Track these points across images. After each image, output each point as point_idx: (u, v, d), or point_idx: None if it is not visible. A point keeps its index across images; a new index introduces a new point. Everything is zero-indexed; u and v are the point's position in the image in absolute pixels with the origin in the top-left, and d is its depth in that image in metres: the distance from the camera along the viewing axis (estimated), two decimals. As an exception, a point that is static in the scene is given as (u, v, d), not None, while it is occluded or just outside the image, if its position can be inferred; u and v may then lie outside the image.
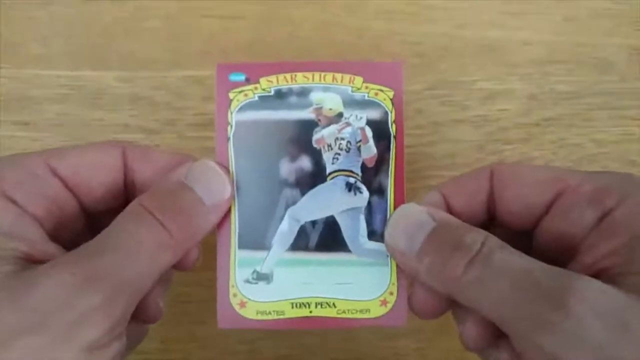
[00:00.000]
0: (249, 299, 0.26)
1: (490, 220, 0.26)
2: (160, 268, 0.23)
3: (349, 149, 0.27)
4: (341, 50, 0.35)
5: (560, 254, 0.24)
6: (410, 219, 0.25)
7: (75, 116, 0.35)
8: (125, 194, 0.27)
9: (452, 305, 0.25)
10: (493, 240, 0.23)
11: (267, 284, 0.26)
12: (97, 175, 0.26)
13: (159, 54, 0.35)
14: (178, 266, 0.25)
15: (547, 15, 0.35)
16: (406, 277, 0.26)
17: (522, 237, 0.26)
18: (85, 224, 0.27)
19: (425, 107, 0.35)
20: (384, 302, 0.26)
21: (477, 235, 0.23)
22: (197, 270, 0.26)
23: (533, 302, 0.21)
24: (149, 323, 0.26)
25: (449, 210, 0.26)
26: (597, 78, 0.35)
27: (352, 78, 0.27)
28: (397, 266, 0.26)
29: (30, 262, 0.22)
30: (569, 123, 0.35)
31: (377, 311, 0.26)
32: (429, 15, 0.35)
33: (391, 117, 0.27)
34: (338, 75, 0.27)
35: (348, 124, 0.27)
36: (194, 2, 0.35)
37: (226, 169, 0.26)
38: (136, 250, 0.22)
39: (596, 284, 0.20)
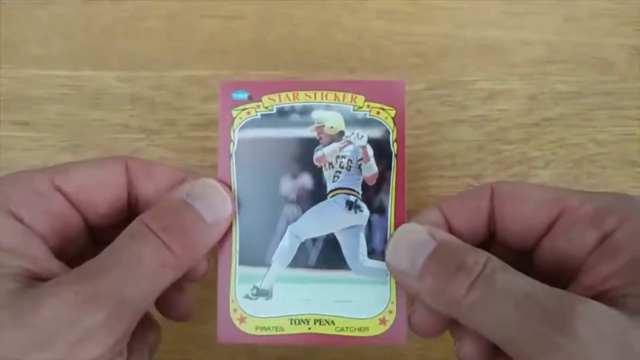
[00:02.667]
0: (249, 315, 0.27)
1: (491, 239, 0.26)
2: (162, 286, 0.24)
3: (350, 167, 0.27)
4: (341, 50, 0.35)
5: (561, 274, 0.24)
6: (411, 239, 0.25)
7: (75, 116, 0.35)
8: (129, 209, 0.27)
9: (451, 322, 0.25)
10: (495, 262, 0.23)
11: (266, 299, 0.27)
12: (101, 192, 0.26)
13: (159, 54, 0.35)
14: (188, 278, 0.26)
15: (547, 15, 0.35)
16: (407, 295, 0.26)
17: (522, 256, 0.26)
18: (89, 239, 0.27)
19: (425, 107, 0.35)
20: (383, 321, 0.26)
21: (479, 256, 0.23)
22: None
23: (537, 324, 0.21)
24: (180, 320, 0.27)
25: (449, 228, 0.26)
26: (597, 78, 0.35)
27: (353, 97, 0.27)
28: (397, 285, 0.26)
29: (35, 279, 0.22)
30: (569, 123, 0.35)
31: (376, 329, 0.26)
32: (429, 15, 0.35)
33: (392, 135, 0.27)
34: (340, 94, 0.27)
35: (349, 142, 0.27)
36: (194, 2, 0.35)
37: (227, 187, 0.27)
38: (138, 269, 0.23)
39: (599, 307, 0.21)
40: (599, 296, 0.22)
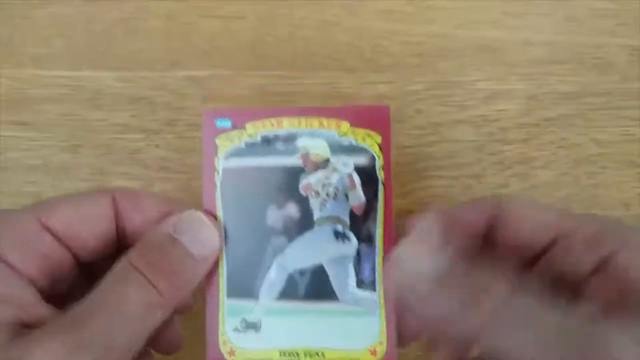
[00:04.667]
0: (238, 347, 0.26)
1: (486, 253, 0.26)
2: (151, 326, 0.24)
3: (337, 195, 0.26)
4: (341, 50, 0.35)
5: (559, 292, 0.24)
6: (417, 261, 0.23)
7: (75, 116, 0.35)
8: (118, 241, 0.27)
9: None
10: (518, 288, 0.22)
11: (255, 332, 0.26)
12: (89, 227, 0.26)
13: (159, 54, 0.35)
14: (176, 310, 0.25)
15: (548, 15, 0.35)
16: (389, 335, 0.26)
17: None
18: (78, 275, 0.26)
19: (425, 107, 0.35)
20: (373, 352, 0.26)
21: (502, 282, 0.22)
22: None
23: (566, 353, 0.20)
24: (170, 353, 0.27)
25: (447, 237, 0.25)
26: (597, 78, 0.35)
27: (338, 122, 0.26)
28: (386, 316, 0.26)
29: (23, 326, 0.22)
30: (569, 123, 0.35)
31: None
32: (429, 15, 0.35)
33: (379, 162, 0.26)
34: (324, 120, 0.26)
35: (335, 170, 0.26)
36: (194, 2, 0.35)
37: (214, 218, 0.26)
38: (124, 312, 0.22)
39: (631, 336, 0.21)
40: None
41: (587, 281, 0.24)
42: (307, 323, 0.26)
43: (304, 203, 0.26)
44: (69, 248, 0.25)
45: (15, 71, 0.35)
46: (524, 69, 0.35)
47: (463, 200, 0.35)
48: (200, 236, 0.25)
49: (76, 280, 0.26)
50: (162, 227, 0.25)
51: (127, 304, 0.23)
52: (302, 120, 0.27)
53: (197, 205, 0.27)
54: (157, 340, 0.26)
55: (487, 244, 0.26)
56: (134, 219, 0.26)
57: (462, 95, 0.35)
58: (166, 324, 0.25)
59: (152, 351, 0.27)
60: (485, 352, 0.22)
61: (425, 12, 0.35)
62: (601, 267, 0.23)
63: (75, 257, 0.26)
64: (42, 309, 0.23)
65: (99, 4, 0.35)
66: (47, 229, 0.25)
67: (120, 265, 0.24)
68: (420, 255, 0.23)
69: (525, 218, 0.25)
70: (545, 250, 0.25)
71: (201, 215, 0.26)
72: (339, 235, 0.26)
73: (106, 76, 0.35)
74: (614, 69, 0.35)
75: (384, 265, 0.26)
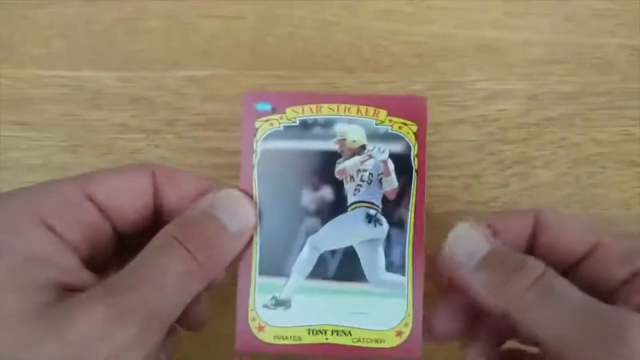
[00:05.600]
0: (267, 324, 0.27)
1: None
2: (189, 296, 0.24)
3: (371, 181, 0.27)
4: (341, 50, 0.35)
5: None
6: (471, 235, 0.26)
7: (75, 116, 0.35)
8: (155, 215, 0.27)
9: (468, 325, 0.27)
10: (553, 271, 0.25)
11: (285, 309, 0.27)
12: (130, 200, 0.26)
13: (159, 54, 0.35)
14: (207, 287, 0.26)
15: (548, 15, 0.35)
16: (423, 309, 0.27)
17: None
18: (117, 246, 0.27)
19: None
20: (399, 333, 0.27)
21: (540, 262, 0.25)
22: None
23: (593, 330, 0.23)
24: (195, 329, 0.27)
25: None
26: (597, 78, 0.35)
27: (376, 111, 0.27)
28: (414, 299, 0.27)
29: (66, 290, 0.23)
30: (569, 123, 0.35)
31: (392, 341, 0.27)
32: (429, 15, 0.35)
33: (414, 151, 0.27)
34: (362, 108, 0.27)
35: (371, 157, 0.27)
36: (194, 2, 0.35)
37: (250, 197, 0.27)
38: (166, 282, 0.23)
39: None
40: None
41: (618, 290, 0.25)
42: (336, 302, 0.27)
43: (338, 187, 0.27)
44: (109, 219, 0.26)
45: (15, 71, 0.35)
46: (524, 69, 0.35)
47: (463, 200, 0.35)
48: (236, 213, 0.26)
49: (114, 252, 0.27)
50: (200, 203, 0.26)
51: (168, 274, 0.23)
52: (341, 107, 0.27)
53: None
54: (185, 316, 0.26)
55: (528, 253, 0.27)
56: (172, 196, 0.27)
57: (462, 95, 0.35)
58: (195, 300, 0.26)
59: (181, 327, 0.27)
60: (516, 328, 0.24)
61: (425, 12, 0.35)
62: (632, 279, 0.25)
63: (115, 228, 0.26)
64: (84, 275, 0.24)
65: (99, 4, 0.35)
66: (90, 199, 0.25)
67: (161, 237, 0.24)
68: (473, 235, 0.26)
69: (566, 227, 0.27)
70: (581, 260, 0.27)
71: (238, 192, 0.27)
72: (371, 219, 0.27)
73: (106, 76, 0.35)
74: (613, 69, 0.35)
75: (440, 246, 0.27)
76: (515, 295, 0.24)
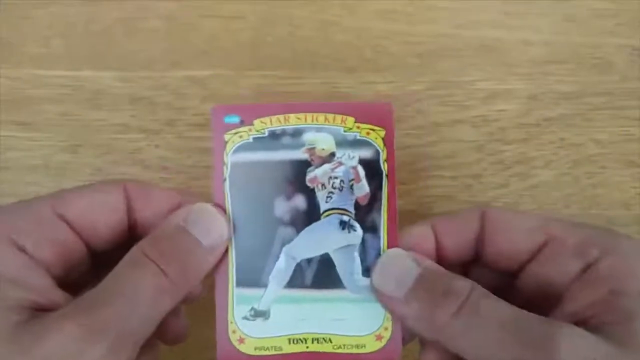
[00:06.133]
0: (247, 335, 0.27)
1: (475, 260, 0.27)
2: (162, 312, 0.24)
3: (342, 187, 0.27)
4: (341, 50, 0.35)
5: (543, 299, 0.25)
6: (397, 264, 0.26)
7: (75, 116, 0.35)
8: (129, 231, 0.27)
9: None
10: (479, 289, 0.24)
11: (264, 320, 0.27)
12: (102, 217, 0.26)
13: (159, 54, 0.35)
14: (184, 301, 0.26)
15: (547, 15, 0.35)
16: (394, 320, 0.27)
17: (505, 280, 0.27)
18: (90, 265, 0.27)
19: (425, 107, 0.35)
20: (379, 337, 0.27)
21: (464, 284, 0.24)
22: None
23: (520, 349, 0.22)
24: (174, 343, 0.27)
25: (438, 245, 0.27)
26: (597, 78, 0.35)
27: (343, 118, 0.27)
28: None
29: (37, 310, 0.23)
30: (569, 123, 0.35)
31: (372, 346, 0.27)
32: (429, 15, 0.35)
33: (383, 156, 0.27)
34: (330, 116, 0.27)
35: (340, 164, 0.27)
36: (194, 2, 0.35)
37: (223, 211, 0.27)
38: (138, 299, 0.23)
39: (580, 332, 0.22)
40: (579, 323, 0.23)
41: (568, 288, 0.24)
42: (315, 310, 0.27)
43: (310, 195, 0.27)
44: (82, 237, 0.26)
45: (15, 71, 0.35)
46: (524, 69, 0.35)
47: (463, 200, 0.35)
48: (209, 227, 0.26)
49: (88, 271, 0.27)
50: (173, 218, 0.26)
51: (139, 290, 0.23)
52: (309, 116, 0.27)
53: (204, 199, 0.27)
54: (163, 330, 0.26)
55: (477, 253, 0.27)
56: (145, 211, 0.27)
57: (462, 95, 0.35)
58: (173, 314, 0.26)
59: (160, 341, 0.27)
60: (451, 349, 0.24)
61: (425, 12, 0.35)
62: (585, 273, 0.24)
63: (88, 246, 0.26)
64: (57, 294, 0.24)
65: (99, 4, 0.35)
66: (61, 218, 0.25)
67: (133, 253, 0.24)
68: (399, 263, 0.26)
69: (512, 226, 0.26)
70: (532, 257, 0.26)
71: (210, 207, 0.26)
72: (345, 225, 0.27)
73: (106, 76, 0.35)
74: (613, 69, 0.35)
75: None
76: (443, 325, 0.23)
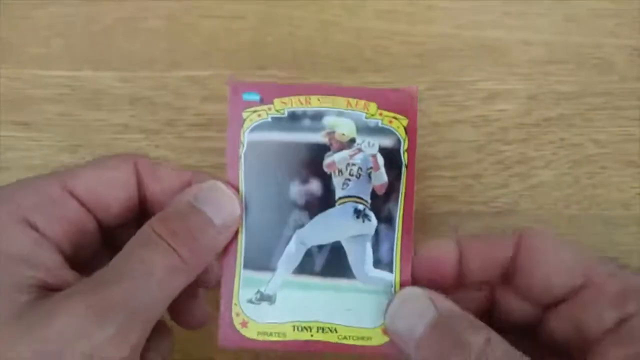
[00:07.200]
0: (251, 319, 0.26)
1: (505, 282, 0.26)
2: (173, 292, 0.24)
3: (360, 175, 0.26)
4: (341, 50, 0.35)
5: (571, 341, 0.24)
6: (411, 305, 0.25)
7: (75, 116, 0.35)
8: (140, 207, 0.27)
9: None
10: (494, 343, 0.23)
11: (269, 305, 0.26)
12: (112, 193, 0.26)
13: (159, 54, 0.35)
14: (201, 283, 0.26)
15: (547, 15, 0.35)
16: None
17: (534, 309, 0.26)
18: (101, 242, 0.27)
19: (425, 107, 0.35)
20: (385, 331, 0.26)
21: (478, 337, 0.23)
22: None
23: None
24: (194, 328, 0.27)
25: (461, 263, 0.26)
26: (597, 78, 0.35)
27: (366, 104, 0.26)
28: None
29: (46, 289, 0.22)
30: (569, 123, 0.35)
31: (378, 339, 0.26)
32: (429, 15, 0.35)
33: (404, 145, 0.26)
34: (352, 101, 0.26)
35: (360, 150, 0.26)
36: (194, 2, 0.35)
37: (235, 189, 0.26)
38: (148, 278, 0.23)
39: None
40: None
41: (600, 340, 0.23)
42: (322, 299, 0.26)
43: (327, 180, 0.26)
44: (92, 213, 0.26)
45: (15, 71, 0.35)
46: (524, 69, 0.35)
47: (463, 200, 0.35)
48: (221, 205, 0.25)
49: (98, 248, 0.27)
50: (184, 196, 0.25)
51: (150, 269, 0.23)
52: (331, 99, 0.27)
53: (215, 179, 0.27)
54: (183, 315, 0.26)
55: (506, 279, 0.26)
56: (155, 188, 0.26)
57: (462, 95, 0.35)
58: (191, 296, 0.25)
59: (179, 325, 0.27)
60: None
61: (425, 12, 0.35)
62: (619, 327, 0.23)
63: (99, 222, 0.26)
64: (66, 273, 0.23)
65: (99, 4, 0.35)
66: (71, 194, 0.25)
67: (143, 232, 0.24)
68: (413, 307, 0.25)
69: (550, 261, 0.25)
70: (567, 298, 0.25)
71: (222, 184, 0.26)
72: (359, 214, 0.26)
73: (106, 76, 0.35)
74: (613, 69, 0.35)
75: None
76: None
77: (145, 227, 0.24)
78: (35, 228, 0.24)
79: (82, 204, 0.25)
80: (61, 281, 0.23)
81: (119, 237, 0.25)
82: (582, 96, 0.35)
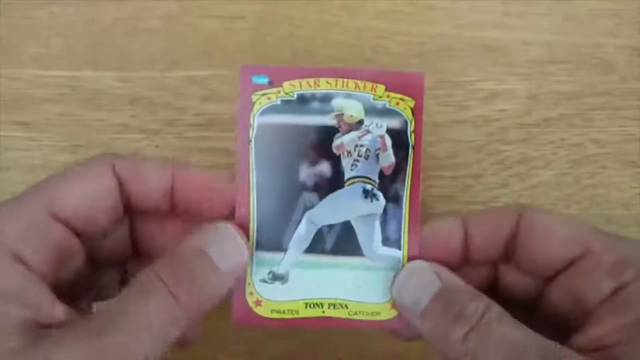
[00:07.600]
0: (264, 298, 0.27)
1: (507, 259, 0.27)
2: (170, 340, 0.23)
3: (368, 156, 0.27)
4: (341, 50, 0.35)
5: (570, 312, 0.25)
6: (417, 278, 0.26)
7: (75, 116, 0.35)
8: (124, 212, 0.27)
9: None
10: (493, 311, 0.24)
11: (282, 284, 0.27)
12: (98, 206, 0.25)
13: (159, 54, 0.35)
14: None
15: (547, 15, 0.35)
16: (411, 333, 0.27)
17: (536, 282, 0.27)
18: (84, 256, 0.26)
19: (425, 107, 0.35)
20: (394, 305, 0.27)
21: (479, 305, 0.24)
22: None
23: None
24: (182, 347, 0.27)
25: (467, 241, 0.26)
26: (597, 78, 0.35)
27: (374, 86, 0.27)
28: None
29: (39, 327, 0.22)
30: (569, 123, 0.35)
31: (387, 314, 0.27)
32: (429, 15, 0.35)
33: (411, 126, 0.27)
34: (360, 83, 0.27)
35: (368, 132, 0.27)
36: (194, 2, 0.35)
37: (243, 232, 0.26)
38: (146, 329, 0.22)
39: None
40: (600, 349, 0.22)
41: (598, 308, 0.24)
42: (333, 276, 0.27)
43: (335, 162, 0.27)
44: (78, 232, 0.25)
45: (15, 71, 0.35)
46: (524, 69, 0.35)
47: (463, 200, 0.35)
48: (227, 249, 0.25)
49: (81, 264, 0.26)
50: (189, 239, 0.25)
51: (149, 320, 0.22)
52: (339, 81, 0.27)
53: (214, 166, 0.27)
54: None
55: (508, 254, 0.27)
56: (139, 189, 0.26)
57: (462, 95, 0.35)
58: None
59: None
60: None
61: (425, 12, 0.35)
62: (615, 295, 0.24)
63: (85, 241, 0.26)
64: (57, 309, 0.23)
65: (99, 4, 0.35)
66: (56, 217, 0.24)
67: (147, 276, 0.23)
68: (418, 280, 0.26)
69: (549, 233, 0.25)
70: (566, 267, 0.25)
71: (230, 227, 0.26)
72: (368, 194, 0.27)
73: (106, 76, 0.35)
74: (613, 69, 0.35)
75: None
76: (455, 346, 0.23)
77: (149, 271, 0.23)
78: (22, 261, 0.23)
79: (68, 226, 0.25)
80: (52, 317, 0.22)
81: (102, 246, 0.24)
82: (582, 96, 0.35)
